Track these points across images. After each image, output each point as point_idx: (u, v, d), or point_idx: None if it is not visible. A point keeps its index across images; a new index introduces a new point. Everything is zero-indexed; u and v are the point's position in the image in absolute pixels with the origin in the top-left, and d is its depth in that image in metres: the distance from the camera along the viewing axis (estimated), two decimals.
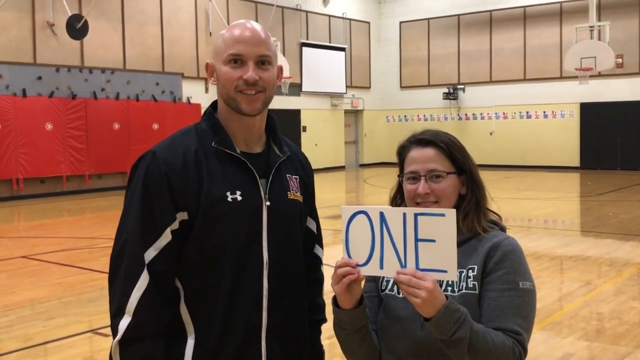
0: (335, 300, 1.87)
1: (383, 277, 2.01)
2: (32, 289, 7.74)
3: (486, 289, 1.85)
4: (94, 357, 5.40)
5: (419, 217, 1.72)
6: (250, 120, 2.01)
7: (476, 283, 1.86)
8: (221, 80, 1.97)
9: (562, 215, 13.81)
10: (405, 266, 1.72)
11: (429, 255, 1.70)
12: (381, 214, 1.75)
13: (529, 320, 1.85)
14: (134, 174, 1.96)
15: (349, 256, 1.79)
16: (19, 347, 5.63)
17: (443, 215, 1.70)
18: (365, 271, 1.78)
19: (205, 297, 1.94)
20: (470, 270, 1.88)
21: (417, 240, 1.72)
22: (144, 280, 1.87)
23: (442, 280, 1.83)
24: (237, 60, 1.94)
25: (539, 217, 13.27)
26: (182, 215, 1.91)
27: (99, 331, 5.98)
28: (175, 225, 1.91)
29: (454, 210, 1.71)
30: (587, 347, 5.41)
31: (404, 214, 1.73)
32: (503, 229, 2.02)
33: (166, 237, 1.90)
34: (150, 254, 1.88)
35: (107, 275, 1.99)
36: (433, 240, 1.70)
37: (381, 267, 1.76)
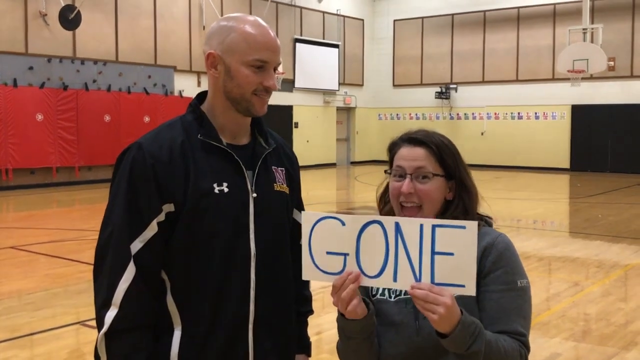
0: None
1: None
2: (20, 279, 7.71)
3: (485, 290, 1.83)
4: (80, 349, 5.38)
5: (437, 229, 1.64)
6: (246, 118, 2.03)
7: None
8: (238, 81, 1.95)
9: (551, 216, 13.85)
10: (420, 280, 1.65)
11: (445, 268, 1.63)
12: (397, 225, 1.68)
13: (528, 318, 1.85)
14: (120, 166, 1.95)
15: (360, 267, 1.71)
16: (6, 337, 5.60)
17: (464, 227, 1.62)
18: (378, 283, 1.71)
19: (193, 289, 1.93)
20: None
21: (433, 253, 1.64)
22: (130, 273, 1.86)
23: None
24: (261, 66, 1.95)
25: (529, 217, 13.31)
26: (169, 207, 1.90)
27: (87, 323, 5.97)
28: (161, 217, 1.90)
29: (476, 223, 1.63)
30: (574, 348, 5.43)
31: (421, 225, 1.66)
32: (489, 224, 1.99)
33: (152, 229, 1.89)
34: (136, 246, 1.88)
35: None
36: (451, 254, 1.63)
37: (395, 279, 1.68)
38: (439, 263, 1.64)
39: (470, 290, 1.63)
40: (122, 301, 1.85)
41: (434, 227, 1.65)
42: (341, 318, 1.80)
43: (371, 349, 1.87)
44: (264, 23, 1.99)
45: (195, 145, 1.95)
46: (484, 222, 1.99)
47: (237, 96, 1.96)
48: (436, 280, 1.64)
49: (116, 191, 1.93)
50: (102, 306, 1.87)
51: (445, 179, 1.91)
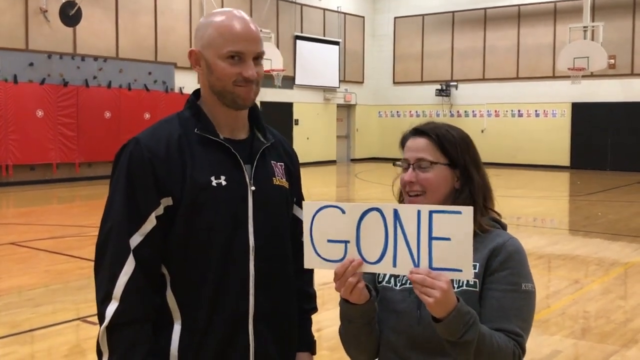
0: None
1: None
2: (20, 275, 7.71)
3: (489, 288, 1.84)
4: (80, 345, 5.39)
5: (434, 215, 1.67)
6: (237, 111, 2.03)
7: (477, 280, 1.85)
8: (216, 74, 1.96)
9: (551, 214, 13.86)
10: (418, 265, 1.68)
11: (443, 254, 1.66)
12: (395, 212, 1.71)
13: (528, 322, 1.86)
14: (118, 162, 1.97)
15: (360, 253, 1.74)
16: (6, 333, 5.61)
17: (459, 212, 1.65)
18: (378, 269, 1.74)
19: (192, 283, 1.94)
20: None
21: (430, 238, 1.67)
22: (130, 266, 1.87)
23: None
24: (236, 57, 1.95)
25: (529, 215, 13.32)
26: (167, 201, 1.91)
27: (87, 319, 5.97)
28: (160, 210, 1.91)
29: (471, 208, 1.66)
30: (574, 345, 5.44)
31: (419, 212, 1.69)
32: (504, 228, 2.01)
33: (151, 223, 1.90)
34: (135, 240, 1.89)
35: None
36: (448, 239, 1.66)
37: (394, 265, 1.71)
38: (437, 248, 1.67)
39: (467, 274, 1.66)
40: (122, 294, 1.86)
41: (431, 212, 1.68)
42: (343, 303, 1.84)
43: (371, 334, 1.90)
44: (241, 14, 1.99)
45: (192, 139, 1.96)
46: (499, 225, 2.00)
47: (220, 89, 1.97)
48: (434, 265, 1.67)
49: (115, 187, 1.95)
50: (103, 300, 1.88)
51: (449, 168, 1.93)
